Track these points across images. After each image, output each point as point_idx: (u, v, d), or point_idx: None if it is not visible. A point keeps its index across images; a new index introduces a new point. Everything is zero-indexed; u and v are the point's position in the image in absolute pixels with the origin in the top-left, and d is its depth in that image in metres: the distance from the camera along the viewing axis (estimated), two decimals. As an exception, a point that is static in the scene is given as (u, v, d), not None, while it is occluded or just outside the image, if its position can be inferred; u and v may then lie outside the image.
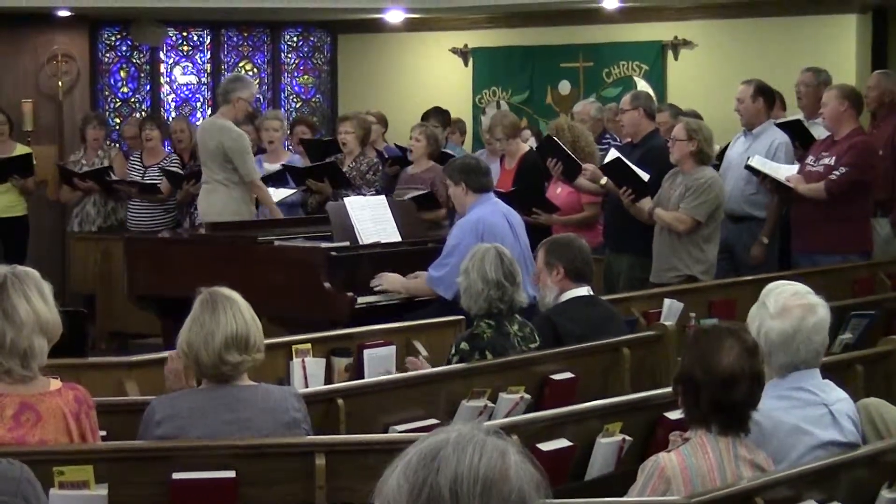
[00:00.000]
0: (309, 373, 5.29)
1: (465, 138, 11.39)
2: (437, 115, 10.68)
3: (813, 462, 3.65)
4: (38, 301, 3.64)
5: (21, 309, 3.59)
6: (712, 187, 7.28)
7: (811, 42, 10.76)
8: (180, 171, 10.04)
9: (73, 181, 10.31)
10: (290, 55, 13.10)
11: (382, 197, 7.79)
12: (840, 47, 10.78)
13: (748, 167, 7.80)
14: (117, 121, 12.46)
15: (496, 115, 8.99)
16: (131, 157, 10.54)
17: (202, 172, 8.64)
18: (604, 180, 7.73)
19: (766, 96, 8.20)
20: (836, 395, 3.86)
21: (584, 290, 5.57)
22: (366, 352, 5.52)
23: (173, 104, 12.80)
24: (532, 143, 9.23)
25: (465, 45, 12.39)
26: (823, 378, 3.88)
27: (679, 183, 7.34)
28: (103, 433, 3.93)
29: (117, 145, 11.57)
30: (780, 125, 8.40)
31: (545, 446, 4.07)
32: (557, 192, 8.35)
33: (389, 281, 6.94)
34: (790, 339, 3.75)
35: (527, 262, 6.37)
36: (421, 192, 8.40)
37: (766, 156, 7.87)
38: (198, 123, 10.11)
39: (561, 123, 8.66)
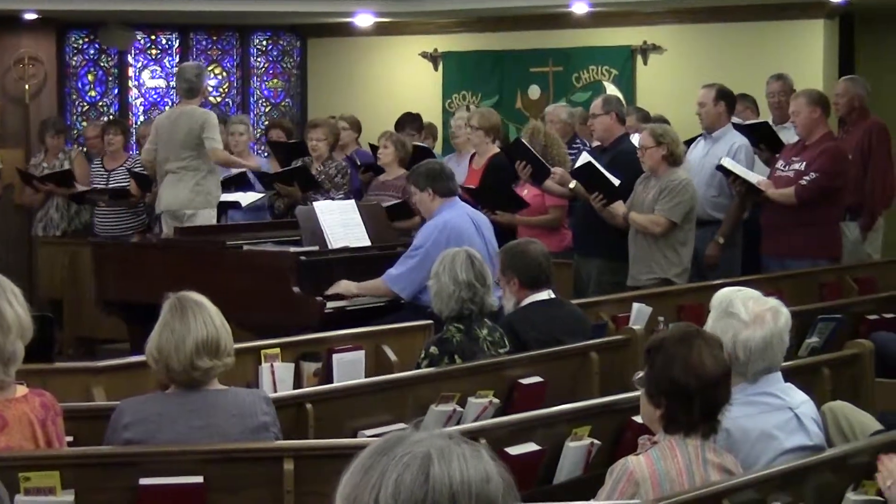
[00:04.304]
0: (278, 378, 5.28)
1: (437, 143, 11.36)
2: (411, 122, 10.67)
3: (780, 465, 3.66)
4: (17, 305, 3.62)
5: (8, 313, 3.56)
6: (686, 188, 7.33)
7: (779, 47, 10.82)
8: (148, 174, 9.98)
9: (34, 184, 10.28)
10: (259, 59, 13.06)
11: (352, 201, 7.78)
12: (808, 52, 10.84)
13: (720, 167, 7.84)
14: (85, 124, 12.39)
15: (483, 109, 9.08)
16: (93, 164, 10.48)
17: (166, 164, 8.49)
18: (573, 184, 7.76)
19: (728, 100, 8.26)
20: (800, 398, 3.88)
21: (545, 294, 5.58)
22: (335, 356, 5.51)
23: (141, 108, 12.74)
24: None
25: (435, 50, 12.39)
26: (789, 381, 3.90)
27: (652, 186, 7.38)
28: (70, 439, 3.91)
29: (78, 147, 11.46)
30: (747, 126, 8.45)
31: (514, 450, 4.07)
32: (524, 193, 8.37)
33: (343, 286, 6.94)
34: (770, 345, 3.76)
35: (494, 264, 6.39)
36: (395, 203, 8.37)
37: None
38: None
39: (538, 127, 8.68)
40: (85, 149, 11.28)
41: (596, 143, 8.41)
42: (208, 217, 8.43)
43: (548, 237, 7.92)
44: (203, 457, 3.68)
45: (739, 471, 3.54)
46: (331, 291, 6.91)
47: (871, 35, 11.50)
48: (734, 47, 11.07)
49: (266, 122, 12.22)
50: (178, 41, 12.79)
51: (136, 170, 10.03)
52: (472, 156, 8.86)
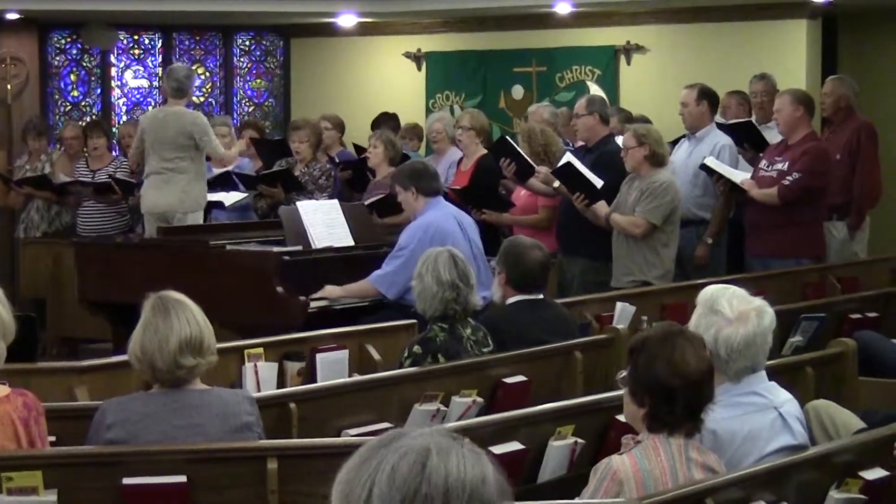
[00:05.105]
0: (261, 377, 5.27)
1: (421, 144, 11.36)
2: (388, 122, 10.65)
3: (763, 463, 3.67)
4: (-1, 304, 3.61)
5: None
6: (668, 190, 7.32)
7: (762, 47, 10.84)
8: (132, 180, 9.94)
9: (12, 186, 10.25)
10: (242, 59, 13.03)
11: (335, 201, 7.77)
12: (791, 52, 10.86)
13: (703, 166, 7.86)
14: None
15: (472, 110, 9.19)
16: (77, 165, 10.44)
17: (150, 163, 8.46)
18: (556, 183, 7.76)
19: (710, 100, 8.28)
20: (783, 397, 3.88)
21: (533, 295, 5.57)
22: (318, 356, 5.51)
23: (124, 108, 12.70)
24: None
25: (419, 50, 12.38)
26: (772, 380, 3.91)
27: (636, 187, 7.38)
28: (53, 439, 3.90)
29: (59, 148, 11.42)
30: (731, 126, 8.47)
31: (498, 449, 4.06)
32: (521, 194, 8.38)
33: (328, 291, 6.93)
34: (752, 344, 3.76)
35: (478, 264, 6.39)
36: (380, 196, 8.33)
37: None
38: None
39: (533, 128, 8.66)
40: (63, 148, 11.24)
41: (580, 144, 8.42)
42: (198, 220, 8.41)
43: (538, 237, 7.92)
44: (186, 456, 3.67)
45: (723, 470, 3.54)
46: (317, 297, 6.90)
47: (854, 35, 11.54)
48: (718, 47, 11.09)
49: (243, 121, 12.18)
50: (160, 41, 12.75)
51: (120, 175, 9.98)
52: (461, 159, 8.85)
